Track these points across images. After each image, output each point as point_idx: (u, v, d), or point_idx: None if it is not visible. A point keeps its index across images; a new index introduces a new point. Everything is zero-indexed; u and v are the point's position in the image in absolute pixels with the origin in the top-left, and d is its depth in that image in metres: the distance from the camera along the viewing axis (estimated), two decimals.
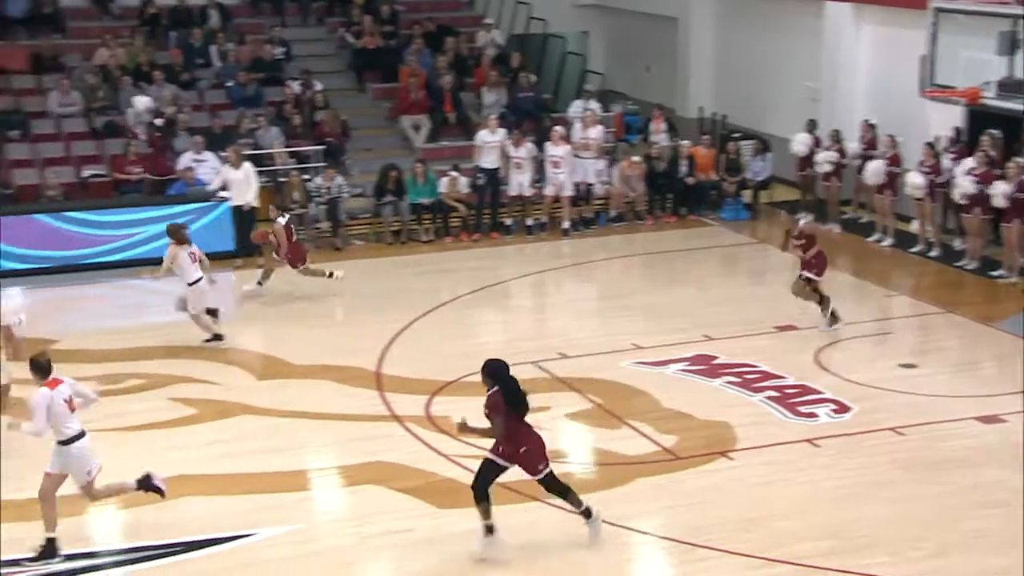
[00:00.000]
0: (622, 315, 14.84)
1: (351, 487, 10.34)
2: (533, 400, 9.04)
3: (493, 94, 20.84)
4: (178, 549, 9.26)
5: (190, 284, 13.60)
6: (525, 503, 9.80)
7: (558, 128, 19.04)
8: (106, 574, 9.03)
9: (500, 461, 8.95)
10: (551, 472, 9.03)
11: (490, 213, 18.80)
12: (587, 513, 9.19)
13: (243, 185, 16.96)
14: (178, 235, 13.64)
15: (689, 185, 19.48)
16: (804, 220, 13.94)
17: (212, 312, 13.88)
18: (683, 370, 12.86)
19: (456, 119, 20.74)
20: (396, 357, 13.30)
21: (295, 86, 20.38)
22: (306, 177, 18.22)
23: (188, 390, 12.42)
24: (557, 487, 9.11)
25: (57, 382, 9.10)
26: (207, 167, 17.92)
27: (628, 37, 25.54)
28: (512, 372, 9.02)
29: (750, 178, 19.68)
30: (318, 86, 20.51)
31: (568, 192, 18.71)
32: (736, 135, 20.88)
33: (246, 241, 16.95)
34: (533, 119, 20.56)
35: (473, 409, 11.68)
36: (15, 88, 20.03)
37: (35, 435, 9.03)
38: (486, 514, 8.94)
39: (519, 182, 18.74)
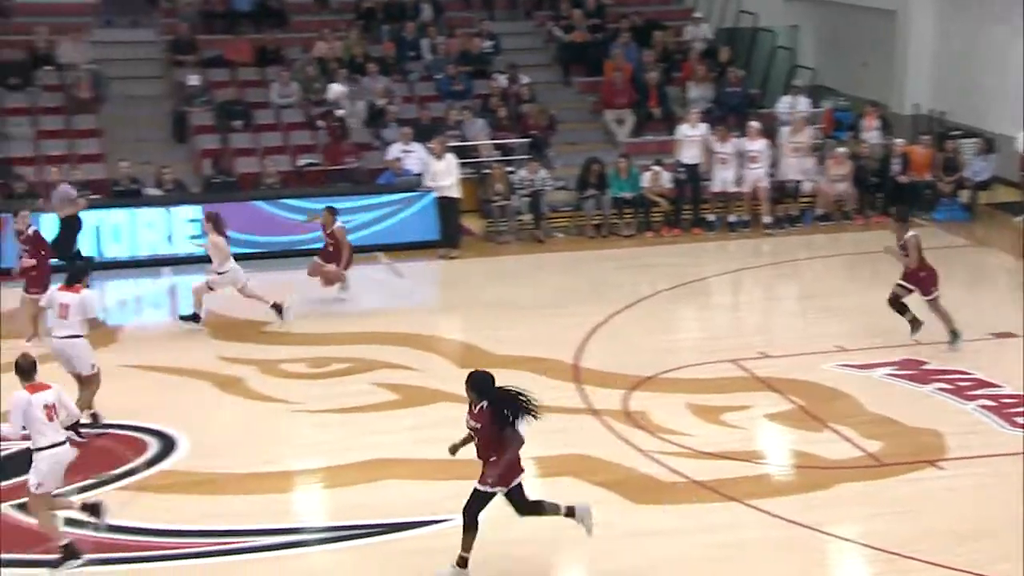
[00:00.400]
0: (825, 315, 14.45)
1: (547, 478, 10.34)
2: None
3: (699, 89, 20.59)
4: (379, 530, 9.49)
5: (220, 273, 14.06)
6: (726, 502, 9.71)
7: (754, 123, 18.69)
8: (310, 550, 9.33)
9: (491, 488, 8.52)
10: (489, 495, 8.47)
11: (691, 208, 18.60)
12: (462, 563, 8.50)
13: (444, 175, 17.32)
14: (217, 225, 14.03)
15: (901, 184, 18.78)
16: (911, 232, 13.08)
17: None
18: (890, 374, 12.42)
19: (661, 114, 20.59)
20: (594, 350, 13.30)
21: (502, 79, 20.63)
22: (510, 169, 18.44)
23: (391, 375, 12.71)
24: (470, 515, 8.45)
25: (40, 387, 8.92)
26: (414, 158, 18.34)
27: (840, 31, 24.78)
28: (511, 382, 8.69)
29: (968, 177, 18.81)
30: (524, 79, 20.70)
31: (764, 185, 18.32)
32: (955, 132, 20.00)
33: (450, 230, 17.36)
34: (740, 114, 20.22)
35: (671, 405, 11.66)
36: (240, 80, 20.96)
37: (10, 436, 8.94)
38: (555, 510, 8.69)
39: (723, 178, 18.45)
